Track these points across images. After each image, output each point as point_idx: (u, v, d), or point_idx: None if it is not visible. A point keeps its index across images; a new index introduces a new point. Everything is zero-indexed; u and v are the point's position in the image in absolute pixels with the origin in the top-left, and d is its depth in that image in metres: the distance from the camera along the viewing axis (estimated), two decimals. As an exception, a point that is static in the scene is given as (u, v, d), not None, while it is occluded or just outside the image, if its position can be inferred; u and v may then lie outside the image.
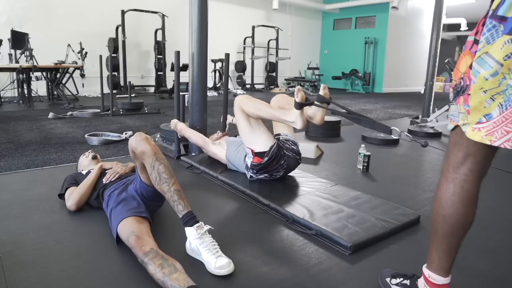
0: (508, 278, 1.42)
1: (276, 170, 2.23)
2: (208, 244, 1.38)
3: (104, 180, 1.86)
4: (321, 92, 1.98)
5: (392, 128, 1.54)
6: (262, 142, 2.17)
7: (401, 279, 1.25)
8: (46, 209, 1.89)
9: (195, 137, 2.68)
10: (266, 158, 2.16)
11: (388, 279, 1.28)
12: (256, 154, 2.18)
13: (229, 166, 2.51)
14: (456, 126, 1.00)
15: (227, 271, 1.33)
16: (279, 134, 2.40)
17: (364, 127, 1.67)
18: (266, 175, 2.25)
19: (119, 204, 1.59)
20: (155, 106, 6.12)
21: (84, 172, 2.03)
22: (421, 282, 1.18)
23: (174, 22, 8.60)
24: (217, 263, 1.33)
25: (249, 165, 2.24)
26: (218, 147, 2.57)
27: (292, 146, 2.31)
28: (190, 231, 1.41)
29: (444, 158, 1.06)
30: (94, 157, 2.16)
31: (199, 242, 1.39)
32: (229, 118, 3.21)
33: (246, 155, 2.29)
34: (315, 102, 1.96)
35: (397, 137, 1.51)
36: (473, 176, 1.00)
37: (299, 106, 1.96)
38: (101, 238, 1.60)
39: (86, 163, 2.14)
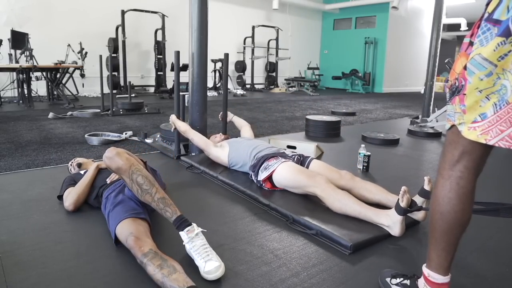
0: (508, 278, 1.42)
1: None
2: (198, 247, 1.36)
3: (108, 180, 1.85)
4: (426, 187, 1.68)
5: None
6: (286, 187, 2.11)
7: (401, 279, 1.25)
8: (46, 209, 1.89)
9: (197, 139, 2.66)
10: (274, 188, 2.15)
11: (388, 279, 1.28)
12: (270, 179, 2.12)
13: (230, 167, 2.51)
14: (453, 126, 1.02)
15: (214, 276, 1.30)
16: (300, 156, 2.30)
17: (506, 217, 1.26)
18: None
19: (117, 206, 1.58)
20: (155, 106, 6.12)
21: (82, 172, 2.04)
22: (421, 282, 1.18)
23: (174, 22, 8.60)
24: (206, 267, 1.30)
25: (258, 177, 2.18)
26: (219, 150, 2.56)
27: None
28: (182, 235, 1.40)
29: (441, 156, 1.08)
30: (79, 165, 2.14)
31: (189, 246, 1.38)
32: (230, 116, 3.21)
33: (263, 162, 2.18)
34: (423, 206, 1.67)
35: None
36: (469, 173, 1.01)
37: (404, 212, 1.60)
38: (100, 238, 1.60)
39: (75, 171, 2.14)
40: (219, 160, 2.57)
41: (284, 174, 2.05)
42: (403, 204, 1.59)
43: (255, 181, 2.23)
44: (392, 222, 1.64)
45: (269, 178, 2.13)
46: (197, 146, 2.72)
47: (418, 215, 1.76)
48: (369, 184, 2.00)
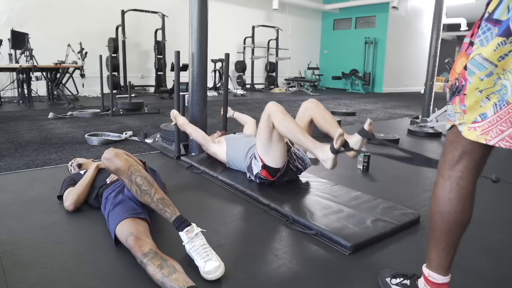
0: (508, 278, 1.42)
1: (277, 182, 2.21)
2: (198, 248, 1.36)
3: (108, 181, 1.85)
4: (366, 127, 1.77)
5: None
6: (276, 158, 2.10)
7: (401, 279, 1.25)
8: (46, 209, 1.89)
9: (196, 133, 2.66)
10: (274, 178, 2.15)
11: (388, 279, 1.28)
12: (265, 167, 2.12)
13: (228, 165, 2.51)
14: (453, 126, 1.02)
15: (214, 276, 1.30)
16: (292, 145, 2.28)
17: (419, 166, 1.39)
18: (266, 183, 2.24)
19: (117, 206, 1.58)
20: (155, 106, 6.12)
21: (82, 172, 2.03)
22: (421, 282, 1.18)
23: (174, 22, 8.60)
24: (206, 267, 1.30)
25: (254, 172, 2.20)
26: (217, 146, 2.57)
27: (298, 164, 2.25)
28: (181, 236, 1.40)
29: (441, 156, 1.08)
30: (79, 166, 2.15)
31: (189, 246, 1.38)
32: (230, 112, 3.21)
33: (252, 157, 2.22)
34: (355, 148, 1.79)
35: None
36: (469, 173, 1.01)
37: (336, 152, 1.78)
38: (100, 238, 1.60)
39: (75, 171, 2.14)
40: (217, 156, 2.58)
41: (258, 135, 2.12)
42: (336, 145, 1.77)
43: (253, 178, 2.24)
44: (326, 157, 1.81)
45: (263, 164, 2.12)
46: (195, 140, 2.71)
47: (349, 154, 1.88)
48: (328, 114, 2.18)
